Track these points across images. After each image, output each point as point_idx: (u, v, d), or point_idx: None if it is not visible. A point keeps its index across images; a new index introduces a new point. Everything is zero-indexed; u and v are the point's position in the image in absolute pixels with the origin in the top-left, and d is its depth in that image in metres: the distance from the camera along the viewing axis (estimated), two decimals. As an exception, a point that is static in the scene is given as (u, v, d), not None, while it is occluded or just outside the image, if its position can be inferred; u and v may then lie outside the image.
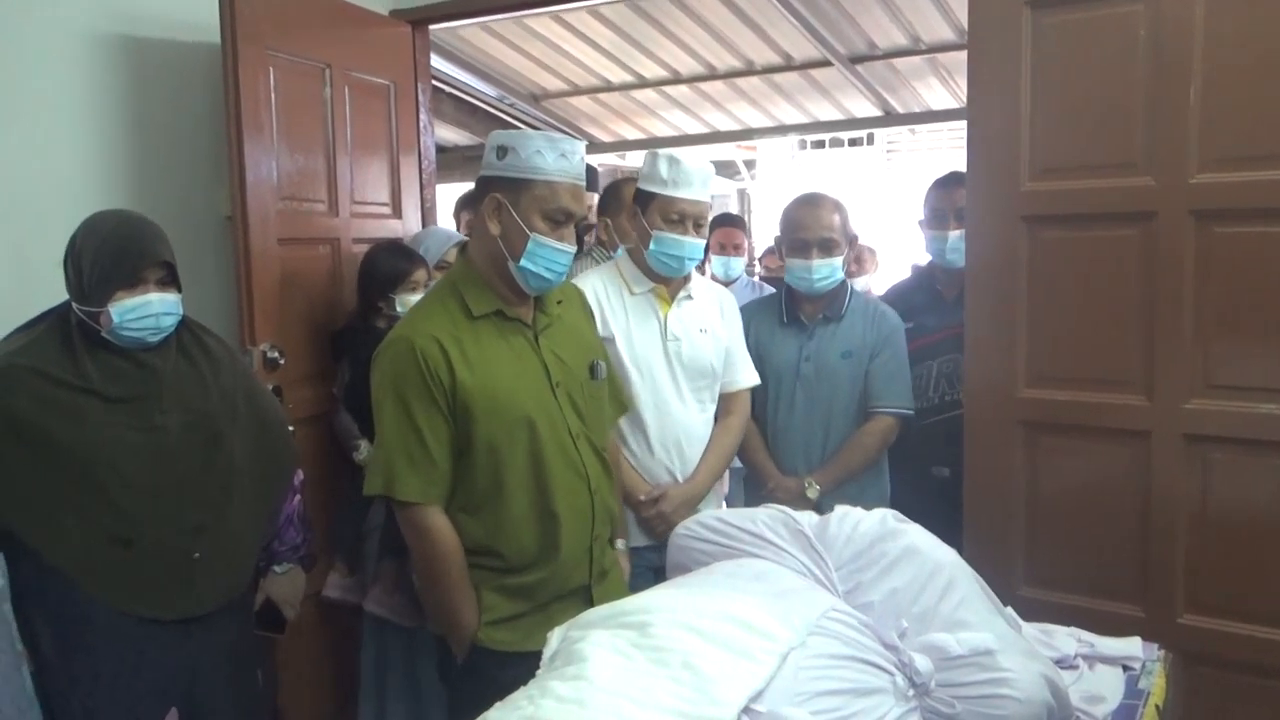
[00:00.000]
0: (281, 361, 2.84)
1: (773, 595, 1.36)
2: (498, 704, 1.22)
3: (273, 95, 2.89)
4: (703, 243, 2.49)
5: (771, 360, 2.70)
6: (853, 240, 2.77)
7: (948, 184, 2.92)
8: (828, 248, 2.64)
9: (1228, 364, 2.23)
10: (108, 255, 1.92)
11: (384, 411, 1.89)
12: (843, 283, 2.73)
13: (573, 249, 1.98)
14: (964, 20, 2.61)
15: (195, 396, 2.03)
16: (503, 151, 1.92)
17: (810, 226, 2.65)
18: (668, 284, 2.48)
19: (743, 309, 2.77)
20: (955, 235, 2.81)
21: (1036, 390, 2.45)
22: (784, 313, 2.75)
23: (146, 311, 1.93)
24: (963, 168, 2.55)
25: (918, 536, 1.49)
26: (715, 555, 1.55)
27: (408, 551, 2.54)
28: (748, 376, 2.60)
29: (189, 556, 1.98)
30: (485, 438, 1.89)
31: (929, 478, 2.78)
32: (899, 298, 3.03)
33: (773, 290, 3.28)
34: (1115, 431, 2.37)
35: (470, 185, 2.49)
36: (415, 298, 2.84)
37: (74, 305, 1.95)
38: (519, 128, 6.81)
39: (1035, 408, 2.46)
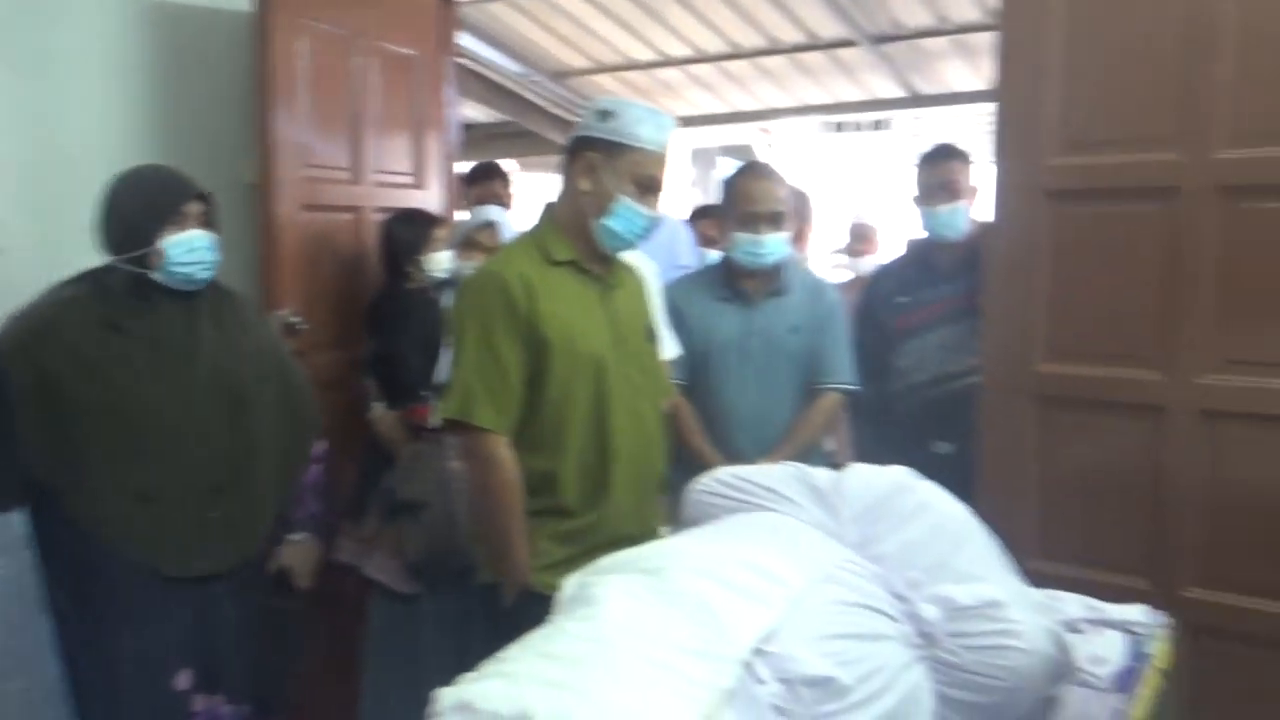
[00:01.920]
0: (302, 327, 2.88)
1: (786, 544, 1.39)
2: (514, 644, 1.26)
3: (302, 63, 2.93)
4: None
5: (715, 336, 2.63)
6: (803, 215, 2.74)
7: (936, 158, 2.92)
8: (777, 221, 2.59)
9: (1247, 340, 2.23)
10: (151, 193, 1.97)
11: (466, 340, 1.96)
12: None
13: (655, 216, 2.07)
14: (991, -1, 2.62)
15: (225, 357, 2.07)
16: (605, 115, 2.02)
17: (760, 199, 2.59)
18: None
19: (678, 282, 2.75)
20: (946, 209, 2.82)
21: (1054, 365, 2.46)
22: (725, 287, 2.68)
23: (195, 245, 1.98)
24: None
25: (930, 493, 1.51)
26: (730, 510, 1.58)
27: (410, 515, 2.61)
28: (669, 348, 2.55)
29: (206, 515, 2.02)
30: (558, 372, 1.97)
31: (929, 454, 2.76)
32: (894, 273, 3.04)
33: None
34: (1131, 406, 2.38)
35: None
36: (444, 255, 2.88)
37: (116, 259, 1.98)
38: (539, 106, 6.84)
39: (1052, 381, 2.47)
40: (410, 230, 2.95)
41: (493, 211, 3.10)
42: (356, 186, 3.21)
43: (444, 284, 2.95)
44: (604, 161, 2.00)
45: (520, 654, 1.23)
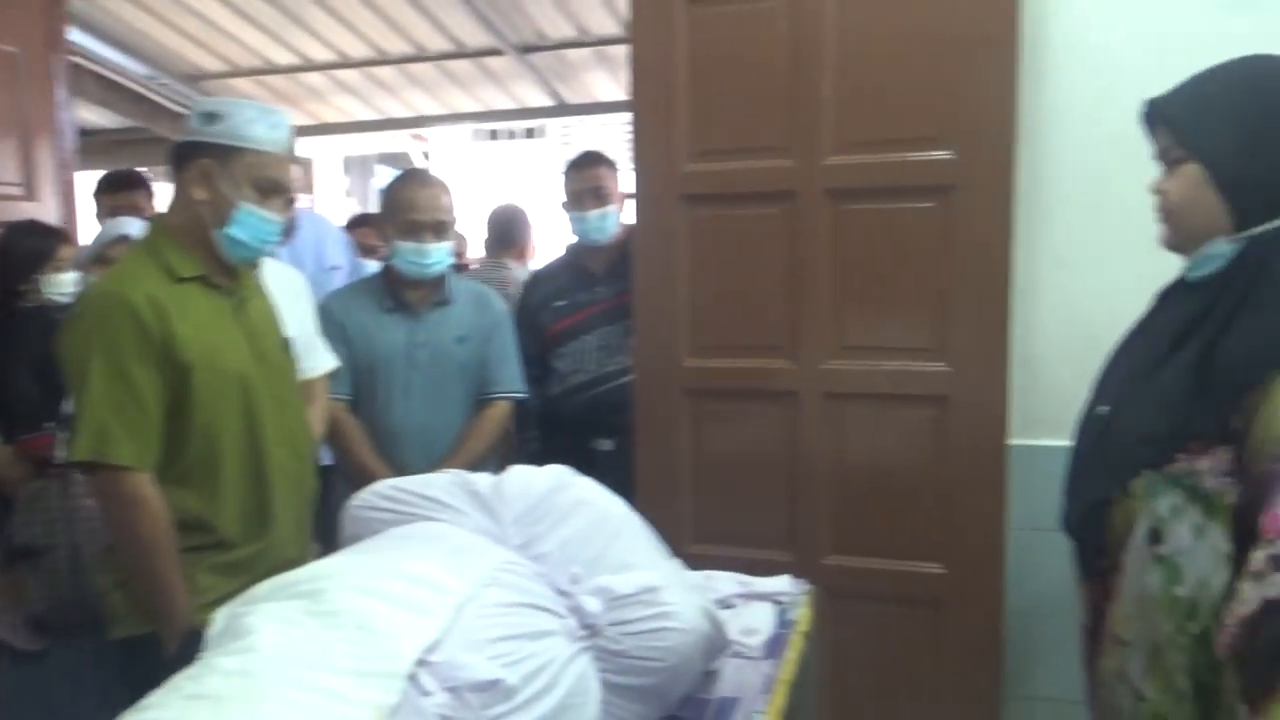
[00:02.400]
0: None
1: (447, 552, 1.38)
2: (160, 688, 1.16)
3: None
4: None
5: (380, 348, 2.58)
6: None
7: (581, 165, 3.03)
8: (441, 230, 2.58)
9: (857, 328, 2.49)
10: None
11: (92, 371, 1.75)
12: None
13: (280, 220, 1.95)
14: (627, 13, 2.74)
15: None
16: (212, 118, 1.89)
17: (423, 208, 2.56)
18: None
19: (337, 294, 2.70)
20: (595, 214, 2.94)
21: (699, 359, 2.63)
22: (388, 298, 2.63)
23: None
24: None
25: (588, 489, 1.56)
26: (391, 522, 1.55)
27: (31, 561, 2.36)
28: (326, 360, 2.50)
29: None
30: (203, 397, 1.83)
31: (591, 451, 2.87)
32: (549, 278, 3.12)
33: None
34: (768, 393, 2.58)
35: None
36: (65, 278, 2.60)
37: None
38: (171, 111, 6.37)
39: (698, 375, 2.63)
40: (29, 244, 2.64)
41: (129, 224, 2.82)
42: (-50, 199, 2.85)
43: (68, 307, 2.67)
44: (218, 167, 1.87)
45: (164, 698, 1.14)
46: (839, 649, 2.56)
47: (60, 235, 2.71)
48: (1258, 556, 1.22)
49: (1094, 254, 2.44)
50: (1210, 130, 1.34)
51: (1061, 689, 2.46)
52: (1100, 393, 1.52)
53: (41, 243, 2.66)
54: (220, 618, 1.31)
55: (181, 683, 1.16)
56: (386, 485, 1.66)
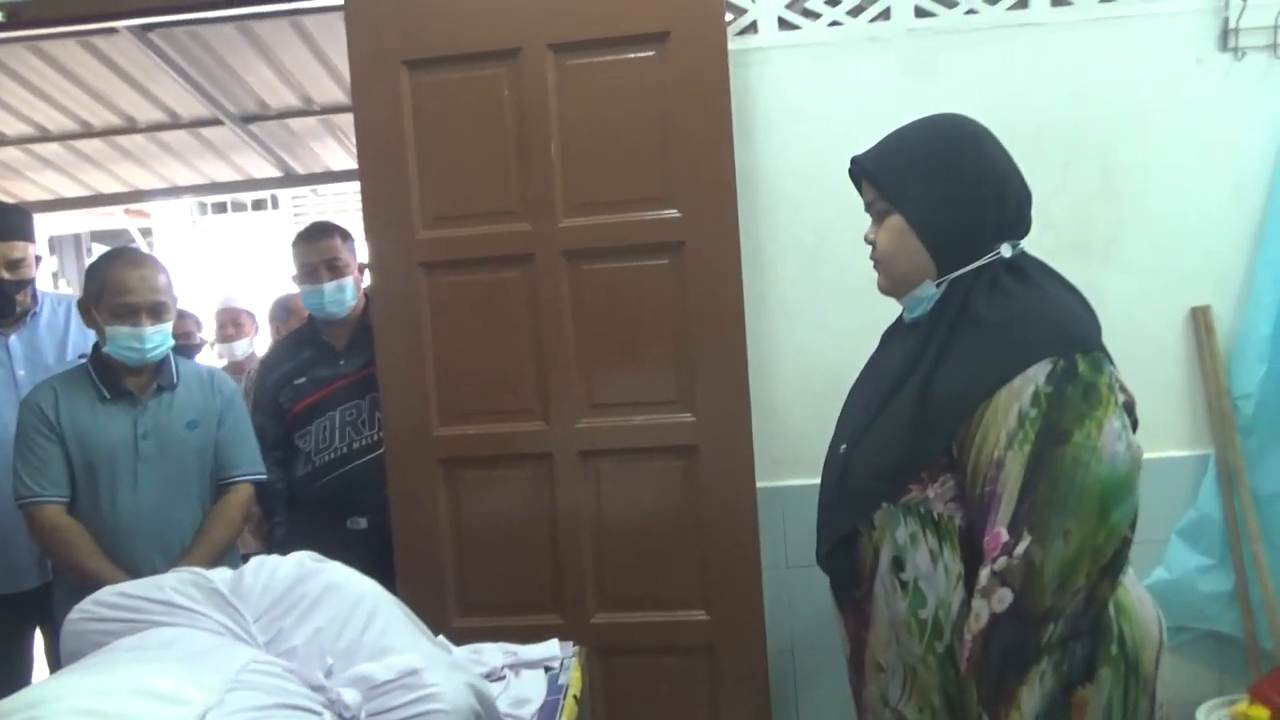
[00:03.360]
0: None
1: (184, 659, 1.27)
2: None
3: None
4: None
5: (100, 441, 2.38)
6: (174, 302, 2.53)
7: (312, 236, 2.94)
8: (159, 312, 2.40)
9: (605, 385, 2.53)
10: None
11: None
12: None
13: None
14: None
15: None
16: None
17: (138, 289, 2.36)
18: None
19: (41, 387, 2.44)
20: (331, 286, 2.85)
21: (450, 427, 2.58)
22: (103, 388, 2.42)
23: None
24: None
25: (337, 573, 1.49)
26: (118, 633, 1.41)
27: None
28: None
29: None
30: None
31: (346, 532, 2.77)
32: (287, 355, 3.00)
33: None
34: (523, 457, 2.57)
35: None
36: None
37: None
38: None
39: (450, 444, 2.58)
40: None
41: None
42: None
43: None
44: None
45: None
46: (613, 706, 2.56)
47: None
48: (984, 574, 1.32)
49: (819, 301, 2.60)
50: (907, 185, 1.47)
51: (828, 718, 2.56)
52: (839, 431, 1.61)
53: None
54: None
55: None
56: (109, 592, 1.51)
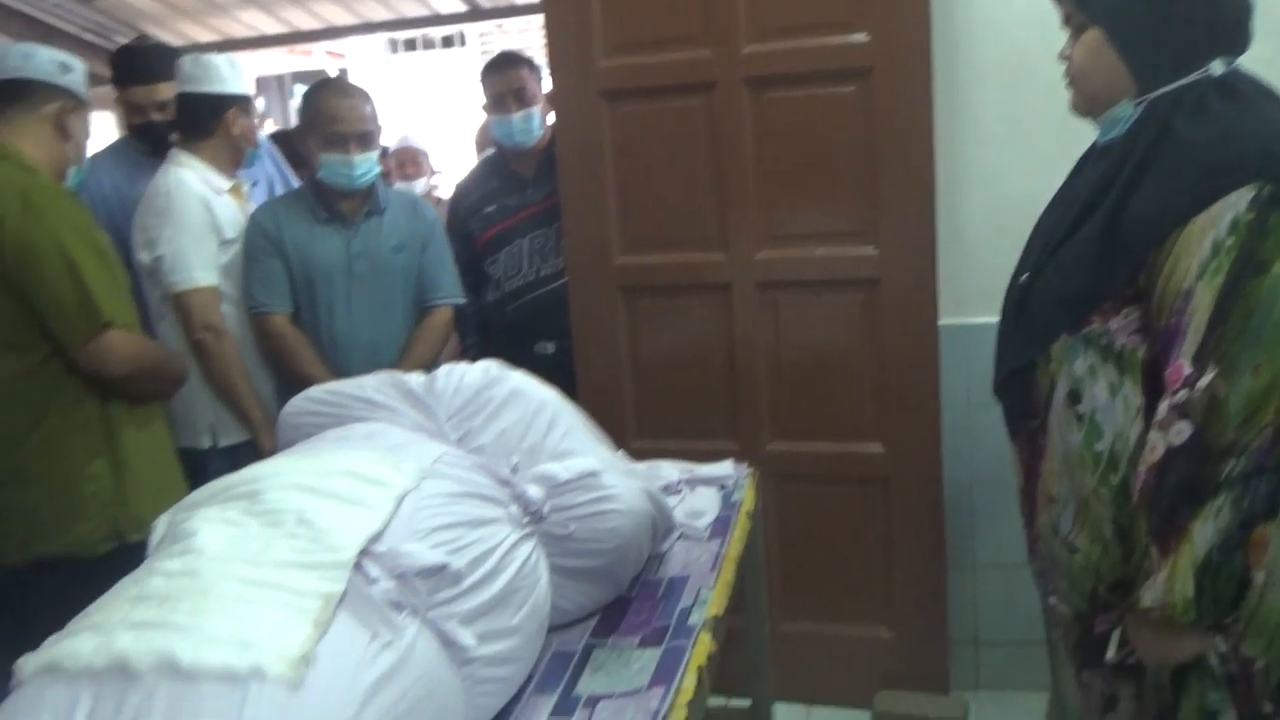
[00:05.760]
0: None
1: (384, 448, 1.39)
2: (103, 597, 1.16)
3: None
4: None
5: (317, 261, 2.54)
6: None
7: (500, 66, 2.97)
8: (366, 141, 2.53)
9: (785, 217, 2.50)
10: None
11: None
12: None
13: None
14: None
15: None
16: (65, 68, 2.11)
17: (347, 118, 2.50)
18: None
19: (266, 207, 2.63)
20: (519, 116, 2.89)
21: (630, 256, 2.62)
22: (321, 209, 2.57)
23: None
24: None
25: (520, 380, 1.57)
26: (327, 425, 1.55)
27: None
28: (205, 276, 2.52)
29: None
30: None
31: (533, 356, 2.86)
32: (476, 185, 3.08)
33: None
34: (701, 287, 2.60)
35: None
36: None
37: None
38: (66, 32, 6.10)
39: (630, 272, 2.63)
40: None
41: None
42: None
43: None
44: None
45: (108, 603, 1.13)
46: (785, 529, 2.63)
47: None
48: (1162, 407, 1.27)
49: (1016, 128, 2.45)
50: None
51: (1003, 554, 2.55)
52: (1022, 262, 1.56)
53: None
54: (160, 525, 1.30)
55: (125, 586, 1.16)
56: (319, 390, 1.65)
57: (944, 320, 2.45)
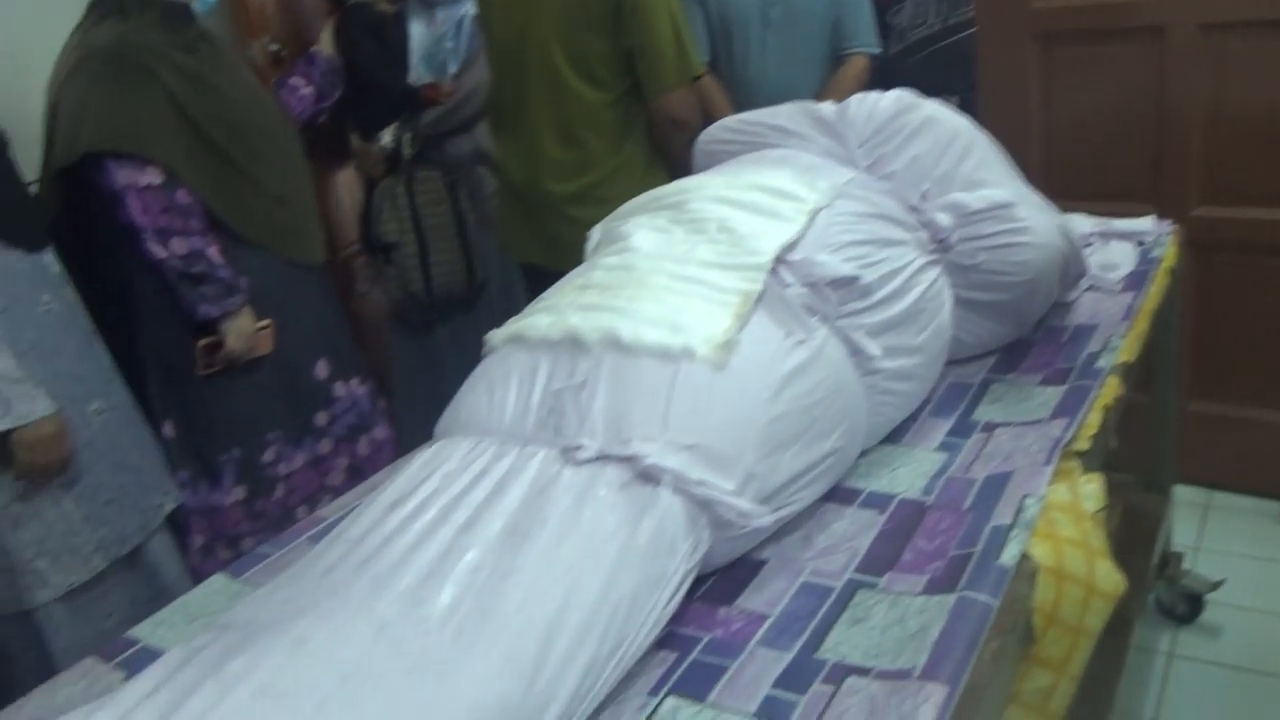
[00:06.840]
0: (283, 54, 2.79)
1: (798, 169, 1.42)
2: (552, 287, 1.33)
3: None
4: None
5: (733, 8, 2.54)
6: None
7: None
8: None
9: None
10: None
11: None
12: None
13: None
14: None
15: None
16: None
17: None
18: None
19: None
20: None
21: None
22: None
23: None
24: None
25: (934, 109, 1.52)
26: (739, 152, 1.60)
27: (385, 255, 2.72)
28: None
29: (310, 212, 2.28)
30: None
31: None
32: None
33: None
34: (1131, 30, 2.36)
35: None
36: None
37: None
38: None
39: (1049, 16, 2.44)
40: None
41: None
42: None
43: None
44: None
45: (559, 290, 1.30)
46: (1204, 303, 2.42)
47: None
48: None
49: None
50: None
51: None
52: None
53: None
54: (596, 231, 1.45)
55: (573, 279, 1.31)
56: (733, 119, 1.70)
57: None
